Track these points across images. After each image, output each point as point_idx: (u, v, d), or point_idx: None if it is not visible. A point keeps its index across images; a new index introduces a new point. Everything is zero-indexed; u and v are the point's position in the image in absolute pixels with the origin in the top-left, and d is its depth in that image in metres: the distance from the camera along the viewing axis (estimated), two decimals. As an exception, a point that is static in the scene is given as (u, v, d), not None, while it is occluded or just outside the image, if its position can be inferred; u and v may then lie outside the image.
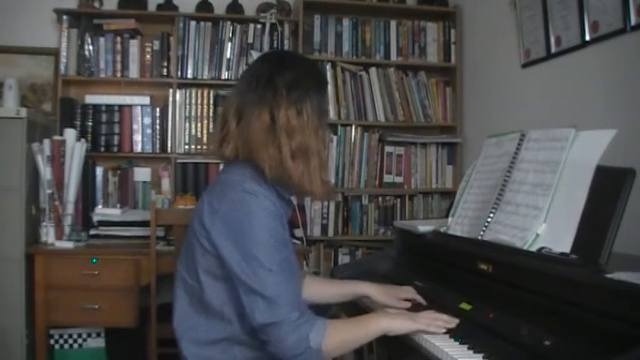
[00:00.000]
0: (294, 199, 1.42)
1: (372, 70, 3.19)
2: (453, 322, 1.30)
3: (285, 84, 1.28)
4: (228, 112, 1.32)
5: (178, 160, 2.99)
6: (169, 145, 3.00)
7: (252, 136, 1.26)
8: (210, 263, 1.26)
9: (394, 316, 1.34)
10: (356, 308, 1.66)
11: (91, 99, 2.96)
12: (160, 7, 3.06)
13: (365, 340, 1.29)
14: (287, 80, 1.29)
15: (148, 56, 3.01)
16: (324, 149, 1.34)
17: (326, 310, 1.74)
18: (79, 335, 2.68)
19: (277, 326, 1.18)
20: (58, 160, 2.57)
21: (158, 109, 3.01)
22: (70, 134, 2.65)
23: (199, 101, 3.03)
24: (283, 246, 1.25)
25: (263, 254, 1.20)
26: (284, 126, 1.26)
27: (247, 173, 1.27)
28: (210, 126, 3.02)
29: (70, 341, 2.68)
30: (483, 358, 1.15)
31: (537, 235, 1.34)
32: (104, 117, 2.95)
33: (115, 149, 2.96)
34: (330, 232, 3.12)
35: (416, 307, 1.51)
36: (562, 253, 1.26)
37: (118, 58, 2.97)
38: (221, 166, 2.94)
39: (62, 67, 2.91)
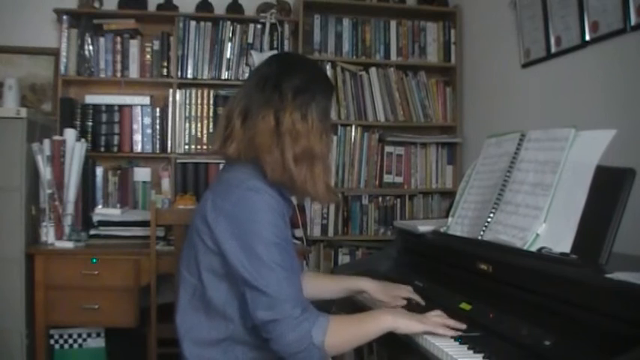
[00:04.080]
0: (293, 199, 1.42)
1: (372, 70, 3.19)
2: (460, 326, 1.28)
3: (292, 88, 1.29)
4: (234, 111, 1.32)
5: (178, 160, 2.99)
6: (169, 145, 3.00)
7: (256, 138, 1.27)
8: (212, 261, 1.26)
9: (401, 314, 1.32)
10: (354, 308, 1.66)
11: (91, 99, 2.96)
12: (160, 7, 3.06)
13: (369, 337, 1.27)
14: (294, 84, 1.29)
15: (148, 56, 3.01)
16: (328, 153, 1.34)
17: (327, 309, 1.74)
18: (79, 335, 2.68)
19: (278, 323, 1.18)
20: (58, 160, 2.56)
21: (158, 109, 3.01)
22: (70, 134, 2.65)
23: (199, 101, 3.03)
24: (286, 243, 1.26)
25: (266, 251, 1.20)
26: (288, 130, 1.26)
27: (250, 171, 1.28)
28: (211, 126, 3.02)
29: (70, 341, 2.68)
30: (483, 358, 1.15)
31: (537, 235, 1.34)
32: (104, 117, 2.95)
33: (115, 149, 2.96)
34: (330, 232, 3.12)
35: (413, 307, 1.51)
36: (562, 253, 1.26)
37: (118, 58, 2.97)
38: (222, 166, 2.97)
39: (62, 67, 2.91)
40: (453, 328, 1.28)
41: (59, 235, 2.55)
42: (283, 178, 1.27)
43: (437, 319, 1.29)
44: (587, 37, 2.13)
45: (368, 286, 1.60)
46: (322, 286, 1.60)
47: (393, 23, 3.23)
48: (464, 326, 1.28)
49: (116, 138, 2.96)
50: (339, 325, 1.22)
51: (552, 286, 1.20)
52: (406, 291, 1.58)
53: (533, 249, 1.33)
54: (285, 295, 1.19)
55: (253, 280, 1.19)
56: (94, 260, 2.43)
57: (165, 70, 3.01)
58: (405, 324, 1.27)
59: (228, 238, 1.23)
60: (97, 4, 2.97)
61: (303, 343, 1.17)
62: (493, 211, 1.53)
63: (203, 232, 1.27)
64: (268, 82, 1.30)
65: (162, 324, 2.29)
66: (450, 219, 1.76)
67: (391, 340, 1.31)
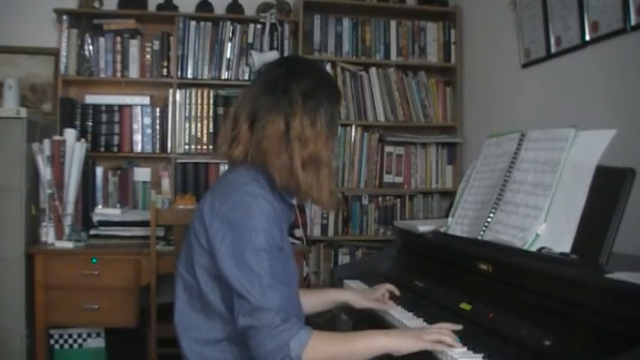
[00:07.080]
0: (294, 201, 1.41)
1: (372, 70, 3.19)
2: (455, 343, 1.22)
3: (301, 92, 1.28)
4: (241, 113, 1.31)
5: (178, 160, 2.99)
6: (169, 145, 3.00)
7: (264, 141, 1.26)
8: (207, 262, 1.26)
9: (397, 333, 1.30)
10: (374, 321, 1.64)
11: (91, 99, 2.96)
12: (160, 7, 3.06)
13: (357, 356, 1.22)
14: (303, 89, 1.29)
15: (148, 56, 3.01)
16: (334, 159, 1.34)
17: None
18: (79, 335, 2.68)
19: (257, 331, 1.17)
20: (58, 160, 2.56)
21: (158, 109, 3.01)
22: (70, 134, 2.65)
23: (199, 101, 3.03)
24: (278, 252, 1.25)
25: (255, 259, 1.20)
26: (298, 135, 1.26)
27: (252, 175, 1.27)
28: (211, 126, 3.02)
29: (70, 341, 2.68)
30: (483, 358, 1.15)
31: (537, 235, 1.34)
32: (104, 117, 2.95)
33: (115, 149, 2.97)
34: (330, 232, 3.12)
35: (416, 307, 1.51)
36: (562, 253, 1.26)
37: (118, 58, 2.97)
38: (221, 166, 2.97)
39: (62, 67, 2.92)
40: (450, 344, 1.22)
41: (59, 235, 2.55)
42: (290, 183, 1.27)
43: (433, 335, 1.23)
44: (587, 37, 2.13)
45: (348, 297, 1.63)
46: (305, 300, 1.51)
47: (393, 23, 3.23)
48: (459, 344, 1.22)
49: (116, 138, 2.96)
50: (323, 340, 1.19)
51: (552, 286, 1.20)
52: (384, 288, 1.61)
53: (533, 249, 1.33)
54: (268, 303, 1.17)
55: (238, 284, 1.19)
56: (94, 260, 2.43)
57: (165, 70, 3.01)
58: (400, 343, 1.23)
59: (219, 240, 1.22)
60: (97, 4, 2.97)
61: (280, 354, 1.15)
62: (493, 211, 1.53)
63: (199, 233, 1.27)
64: (277, 85, 1.29)
65: (162, 324, 2.28)
66: (450, 219, 1.76)
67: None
